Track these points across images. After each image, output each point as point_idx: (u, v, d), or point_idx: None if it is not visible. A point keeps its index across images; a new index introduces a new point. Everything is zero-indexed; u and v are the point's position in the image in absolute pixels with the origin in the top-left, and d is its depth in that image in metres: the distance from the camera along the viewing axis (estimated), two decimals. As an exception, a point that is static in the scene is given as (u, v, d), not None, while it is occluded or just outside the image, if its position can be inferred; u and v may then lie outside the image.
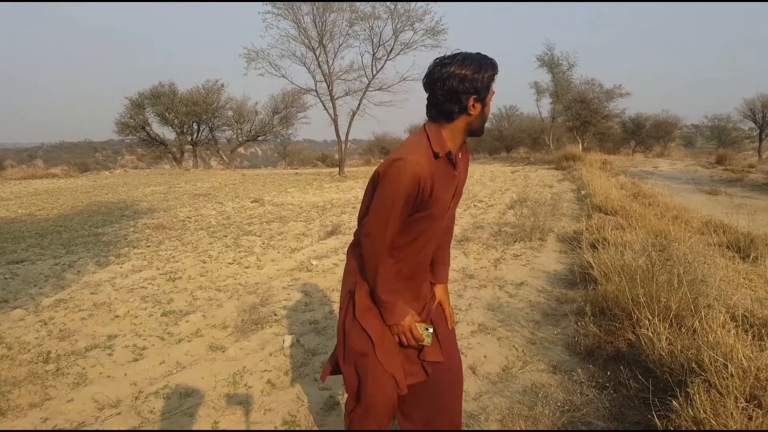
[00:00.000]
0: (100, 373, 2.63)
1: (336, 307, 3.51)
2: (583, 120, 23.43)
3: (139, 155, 29.85)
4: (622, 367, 2.31)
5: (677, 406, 1.82)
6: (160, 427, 2.14)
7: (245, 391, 2.42)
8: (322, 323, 3.25)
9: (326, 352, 2.80)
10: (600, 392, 2.24)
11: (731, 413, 1.68)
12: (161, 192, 11.70)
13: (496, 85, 1.39)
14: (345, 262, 1.57)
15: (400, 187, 1.30)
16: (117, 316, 3.45)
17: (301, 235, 6.19)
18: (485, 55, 1.37)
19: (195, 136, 25.39)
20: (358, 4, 15.13)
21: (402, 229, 1.39)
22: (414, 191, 1.32)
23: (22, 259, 5.12)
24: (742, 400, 1.73)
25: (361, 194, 10.36)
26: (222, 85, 24.98)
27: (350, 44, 16.60)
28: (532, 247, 5.23)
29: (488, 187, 11.37)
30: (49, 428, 2.14)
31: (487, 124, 1.47)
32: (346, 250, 1.58)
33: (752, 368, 1.82)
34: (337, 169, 17.26)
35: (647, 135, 30.04)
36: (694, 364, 1.98)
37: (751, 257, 4.26)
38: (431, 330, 1.48)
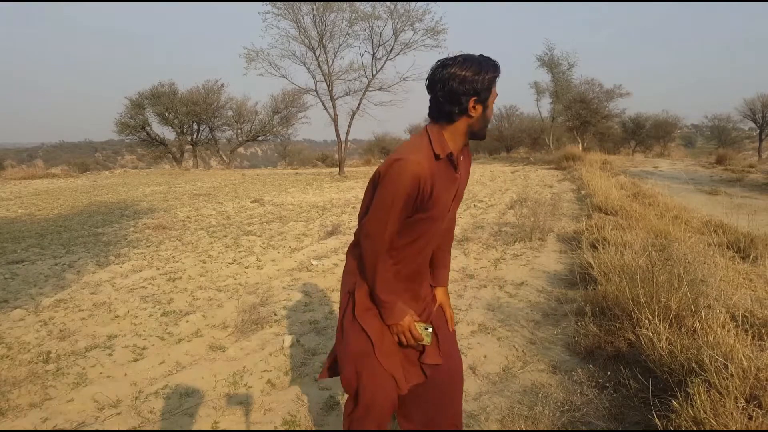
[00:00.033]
0: (100, 373, 2.63)
1: (336, 307, 3.51)
2: (583, 120, 23.43)
3: (139, 155, 29.87)
4: (622, 367, 2.31)
5: (677, 406, 1.82)
6: (160, 427, 2.14)
7: (245, 391, 2.42)
8: (322, 323, 3.25)
9: (326, 352, 2.80)
10: (600, 392, 2.24)
11: (731, 413, 1.68)
12: (161, 192, 11.70)
13: (498, 87, 1.39)
14: (344, 262, 1.57)
15: (400, 186, 1.30)
16: (117, 316, 3.45)
17: (301, 235, 6.19)
18: (488, 57, 1.36)
19: (195, 136, 25.39)
20: (358, 4, 15.15)
21: (402, 230, 1.39)
22: (414, 191, 1.31)
23: (22, 259, 5.12)
24: (742, 400, 1.73)
25: (361, 194, 10.37)
26: (222, 85, 25.02)
27: (350, 44, 16.62)
28: (532, 247, 5.23)
29: (488, 187, 11.37)
30: (49, 428, 2.14)
31: (488, 127, 1.46)
32: (345, 250, 1.58)
33: (752, 368, 1.82)
34: (337, 169, 17.26)
35: (647, 135, 30.05)
36: (694, 364, 1.98)
37: (751, 257, 4.27)
38: (430, 329, 1.48)
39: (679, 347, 2.15)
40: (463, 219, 7.00)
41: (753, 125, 30.68)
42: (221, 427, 2.14)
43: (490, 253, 5.05)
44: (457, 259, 4.81)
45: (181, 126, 24.62)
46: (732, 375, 1.79)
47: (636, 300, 2.67)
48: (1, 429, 2.13)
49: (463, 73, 1.31)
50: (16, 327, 3.28)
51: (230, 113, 25.52)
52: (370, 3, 15.16)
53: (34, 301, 3.82)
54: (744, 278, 3.72)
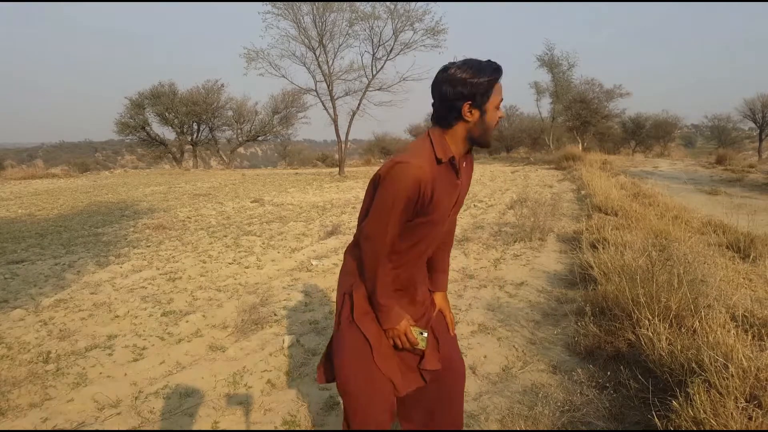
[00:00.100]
0: (100, 373, 2.63)
1: (336, 307, 3.51)
2: (583, 120, 23.44)
3: (139, 155, 29.86)
4: (622, 367, 2.31)
5: (677, 406, 1.82)
6: (160, 427, 2.14)
7: (245, 391, 2.42)
8: (322, 323, 3.25)
9: (326, 352, 2.80)
10: (600, 392, 2.24)
11: (731, 413, 1.68)
12: (161, 192, 11.70)
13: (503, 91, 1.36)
14: (343, 262, 1.57)
15: (400, 189, 1.29)
16: (117, 316, 3.45)
17: (301, 235, 6.19)
18: (491, 61, 1.33)
19: (195, 136, 25.39)
20: (358, 4, 15.15)
21: (402, 234, 1.39)
22: (414, 195, 1.30)
23: (22, 259, 5.12)
24: (742, 400, 1.73)
25: (361, 194, 10.37)
26: (222, 85, 25.01)
27: (350, 44, 16.63)
28: (532, 247, 5.23)
29: (488, 187, 11.37)
30: (49, 428, 2.14)
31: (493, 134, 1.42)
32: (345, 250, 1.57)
33: (752, 368, 1.82)
34: (337, 169, 17.26)
35: (647, 135, 30.05)
36: (694, 364, 1.98)
37: (751, 257, 4.27)
38: (426, 334, 1.49)
39: (679, 347, 2.15)
40: (463, 219, 7.00)
41: (753, 125, 30.69)
42: (221, 427, 2.14)
43: (490, 253, 5.05)
44: (457, 259, 4.81)
45: (181, 126, 24.62)
46: (732, 375, 1.79)
47: (636, 300, 2.67)
48: (1, 429, 2.13)
49: (459, 76, 1.30)
50: (16, 327, 3.28)
51: (230, 113, 25.54)
52: (370, 3, 15.18)
53: (34, 301, 3.82)
54: (744, 278, 3.73)
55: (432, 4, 30.53)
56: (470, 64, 1.31)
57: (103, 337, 3.10)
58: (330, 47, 15.75)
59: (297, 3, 14.83)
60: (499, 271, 4.44)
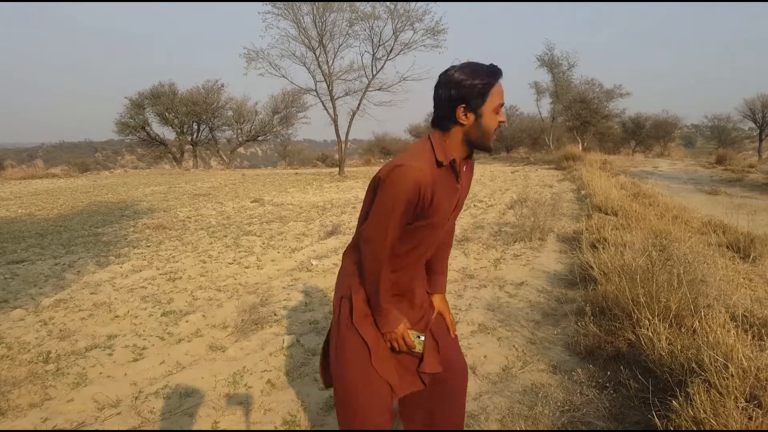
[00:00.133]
0: (100, 373, 2.63)
1: (336, 307, 3.51)
2: (583, 120, 23.44)
3: (139, 155, 29.86)
4: (622, 367, 2.31)
5: (677, 406, 1.82)
6: (160, 427, 2.14)
7: (245, 391, 2.42)
8: (322, 323, 3.24)
9: (326, 352, 2.80)
10: (600, 392, 2.24)
11: (731, 413, 1.68)
12: (161, 192, 11.70)
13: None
14: (341, 265, 1.56)
15: (401, 192, 1.28)
16: (117, 316, 3.45)
17: (301, 235, 6.19)
18: (490, 64, 1.31)
19: (195, 136, 25.39)
20: (358, 4, 15.15)
21: (402, 237, 1.38)
22: (414, 198, 1.30)
23: (22, 259, 5.12)
24: (742, 400, 1.73)
25: (361, 194, 10.37)
26: (222, 85, 25.01)
27: (350, 44, 16.62)
28: (532, 247, 5.23)
29: (488, 187, 11.37)
30: (49, 428, 2.14)
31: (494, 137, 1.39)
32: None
33: (752, 368, 1.82)
34: (337, 169, 17.26)
35: (647, 135, 30.05)
36: (694, 364, 1.98)
37: (751, 257, 4.27)
38: (423, 338, 1.49)
39: (679, 347, 2.15)
40: (463, 219, 7.00)
41: (753, 125, 30.69)
42: (221, 427, 2.14)
43: (490, 253, 5.05)
44: (457, 259, 4.81)
45: (181, 126, 24.62)
46: (732, 375, 1.80)
47: (636, 300, 2.67)
48: (1, 429, 2.13)
49: (454, 79, 1.29)
50: (16, 327, 3.28)
51: (230, 113, 25.54)
52: (370, 3, 15.18)
53: (34, 301, 3.82)
54: (744, 278, 3.73)
55: (432, 4, 30.59)
56: (467, 67, 1.30)
57: (103, 337, 3.10)
58: (330, 47, 15.77)
59: (297, 3, 14.84)
60: (499, 271, 4.44)
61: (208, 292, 3.95)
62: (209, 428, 2.12)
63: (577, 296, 3.53)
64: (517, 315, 3.32)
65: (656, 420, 1.85)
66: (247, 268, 4.68)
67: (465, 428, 2.03)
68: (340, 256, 5.01)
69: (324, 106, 16.71)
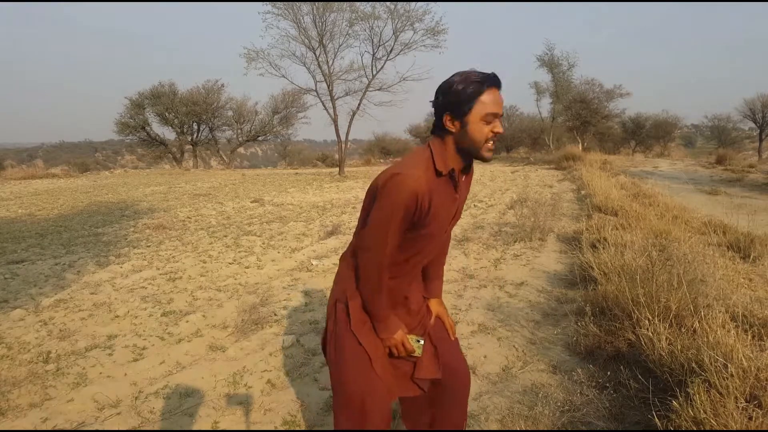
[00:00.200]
0: (100, 373, 2.63)
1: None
2: (583, 120, 23.45)
3: (139, 155, 29.87)
4: (622, 367, 2.31)
5: (677, 406, 1.82)
6: (160, 427, 2.14)
7: (245, 391, 2.42)
8: (322, 323, 3.24)
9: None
10: (600, 392, 2.24)
11: (731, 413, 1.67)
12: (161, 192, 11.70)
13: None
14: (337, 268, 1.55)
15: (398, 200, 1.28)
16: (117, 316, 3.45)
17: (301, 235, 6.19)
18: (482, 72, 1.28)
19: (195, 136, 25.40)
20: (358, 4, 15.16)
21: (401, 246, 1.38)
22: (412, 206, 1.29)
23: (22, 259, 5.12)
24: (742, 400, 1.73)
25: (361, 194, 10.37)
26: (222, 85, 25.03)
27: (350, 44, 16.63)
28: (532, 247, 5.23)
29: (488, 187, 11.37)
30: (49, 428, 2.14)
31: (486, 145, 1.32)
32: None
33: (752, 368, 1.82)
34: (337, 169, 17.26)
35: (647, 135, 30.06)
36: (694, 364, 1.98)
37: (751, 257, 4.27)
38: (422, 342, 1.49)
39: (679, 347, 2.15)
40: (463, 219, 7.00)
41: (753, 125, 30.71)
42: (221, 427, 2.14)
43: (490, 253, 5.05)
44: (457, 259, 4.81)
45: (181, 126, 24.62)
46: (732, 375, 1.79)
47: (636, 300, 2.67)
48: (1, 429, 2.13)
49: (443, 86, 1.29)
50: (16, 327, 3.28)
51: (230, 113, 25.57)
52: (370, 3, 15.19)
53: (34, 301, 3.82)
54: (744, 278, 3.72)
55: (432, 4, 30.58)
56: (460, 74, 1.27)
57: (103, 337, 3.10)
58: (330, 47, 15.78)
59: (297, 3, 14.85)
60: (499, 271, 4.44)
61: (208, 292, 3.95)
62: (209, 428, 2.12)
63: (577, 296, 3.53)
64: (517, 315, 3.32)
65: (656, 420, 1.85)
66: (247, 268, 4.68)
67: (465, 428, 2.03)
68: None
69: (324, 106, 16.75)
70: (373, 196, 1.37)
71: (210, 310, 3.53)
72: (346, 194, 10.86)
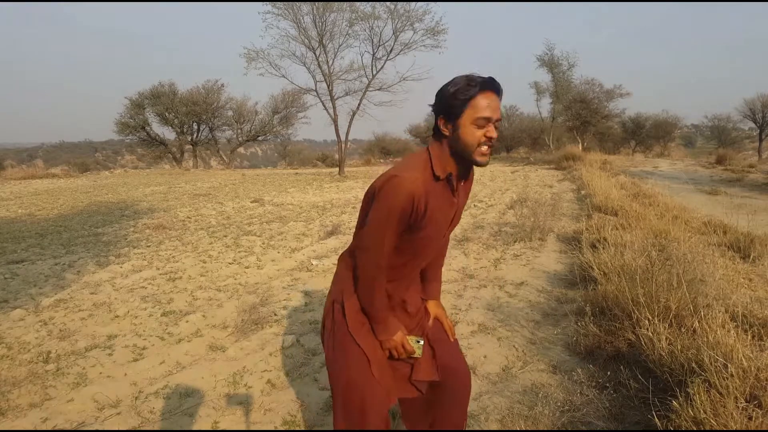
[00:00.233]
0: (100, 373, 2.63)
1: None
2: (583, 120, 23.45)
3: (139, 155, 29.87)
4: (622, 367, 2.31)
5: (677, 406, 1.82)
6: (160, 427, 2.14)
7: (245, 391, 2.42)
8: (322, 323, 3.24)
9: (326, 352, 2.81)
10: (600, 392, 2.24)
11: (731, 413, 1.68)
12: (161, 192, 11.70)
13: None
14: (336, 268, 1.56)
15: (395, 202, 1.28)
16: (117, 316, 3.45)
17: (301, 235, 6.19)
18: (480, 77, 1.27)
19: (195, 136, 25.40)
20: (358, 4, 15.16)
21: (399, 248, 1.39)
22: (408, 208, 1.30)
23: (22, 259, 5.12)
24: (742, 400, 1.73)
25: (361, 194, 10.37)
26: (222, 85, 25.02)
27: (350, 44, 16.63)
28: (532, 247, 5.23)
29: (488, 187, 11.37)
30: (49, 428, 2.14)
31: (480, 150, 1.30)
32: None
33: (752, 368, 1.82)
34: (337, 169, 17.26)
35: (647, 135, 30.06)
36: (694, 364, 1.98)
37: (751, 257, 4.27)
38: (422, 342, 1.49)
39: (679, 347, 2.15)
40: (463, 219, 7.00)
41: (753, 125, 30.70)
42: (221, 427, 2.14)
43: (490, 253, 5.05)
44: (457, 259, 4.81)
45: (181, 126, 24.62)
46: (732, 375, 1.79)
47: (636, 300, 2.67)
48: (1, 429, 2.13)
49: (439, 90, 1.29)
50: (16, 327, 3.28)
51: (230, 113, 25.56)
52: (370, 3, 15.19)
53: (34, 301, 3.82)
54: (744, 278, 3.72)
55: (432, 4, 30.60)
56: (456, 78, 1.28)
57: (103, 337, 3.10)
58: (330, 47, 15.79)
59: (297, 3, 14.85)
60: (499, 271, 4.44)
61: (208, 292, 3.95)
62: (209, 428, 2.12)
63: (577, 296, 3.53)
64: (517, 315, 3.32)
65: (656, 420, 1.85)
66: (247, 268, 4.68)
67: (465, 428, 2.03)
68: (340, 256, 4.94)
69: (324, 106, 16.75)
70: (371, 198, 1.38)
71: (210, 310, 3.53)
72: (346, 194, 10.86)
